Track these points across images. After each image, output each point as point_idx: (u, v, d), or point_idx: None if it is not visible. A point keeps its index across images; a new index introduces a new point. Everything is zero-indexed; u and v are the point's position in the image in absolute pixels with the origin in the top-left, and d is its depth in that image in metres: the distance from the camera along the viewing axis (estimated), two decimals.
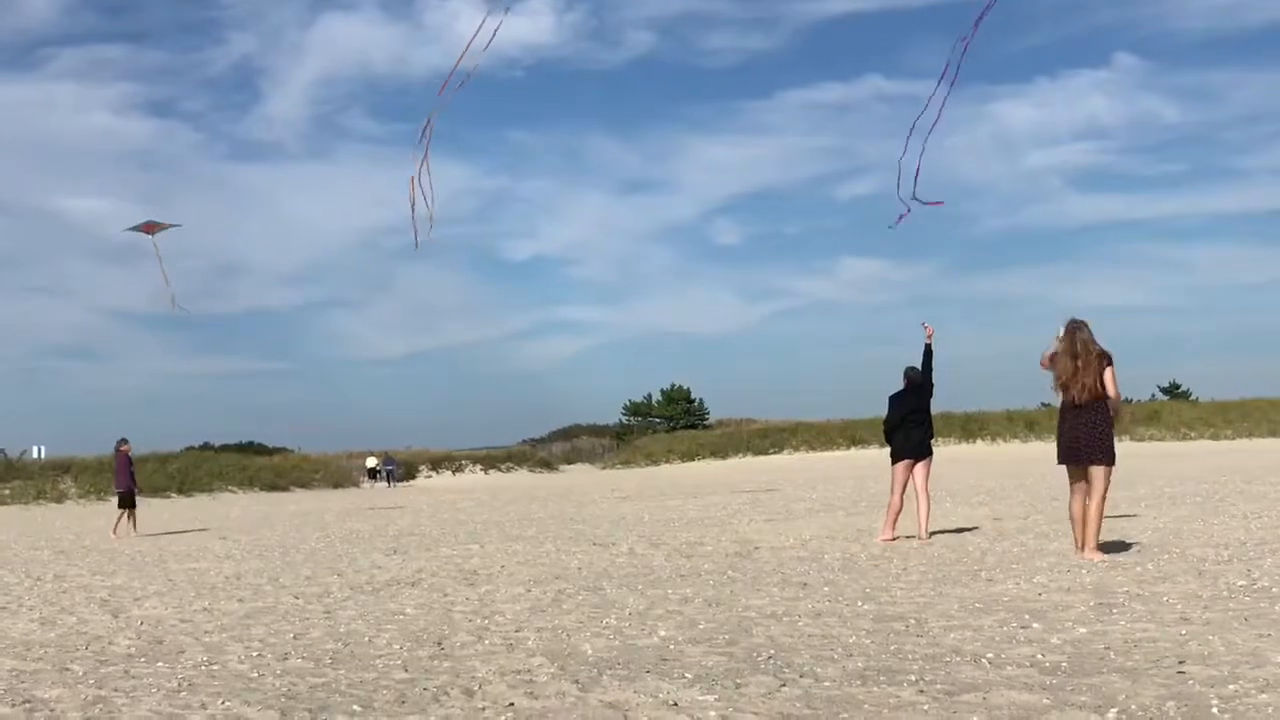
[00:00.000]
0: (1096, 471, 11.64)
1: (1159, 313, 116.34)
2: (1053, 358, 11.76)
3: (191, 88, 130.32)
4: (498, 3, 13.84)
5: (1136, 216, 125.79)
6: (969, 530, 15.69)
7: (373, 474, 61.67)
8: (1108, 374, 11.58)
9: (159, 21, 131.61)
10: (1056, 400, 12.01)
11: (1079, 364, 11.57)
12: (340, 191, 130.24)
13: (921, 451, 14.78)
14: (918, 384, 14.79)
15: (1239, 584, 9.50)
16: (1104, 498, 11.72)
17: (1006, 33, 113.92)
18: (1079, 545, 11.83)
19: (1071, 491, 11.90)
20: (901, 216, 14.09)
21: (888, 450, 15.09)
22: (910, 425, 14.79)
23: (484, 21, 13.83)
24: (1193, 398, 71.97)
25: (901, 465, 14.82)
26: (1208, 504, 18.48)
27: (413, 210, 15.18)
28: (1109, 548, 12.48)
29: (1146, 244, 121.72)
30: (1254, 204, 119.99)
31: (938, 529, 15.60)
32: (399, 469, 63.43)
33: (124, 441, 24.92)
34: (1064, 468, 11.95)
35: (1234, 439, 56.70)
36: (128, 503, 24.31)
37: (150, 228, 30.54)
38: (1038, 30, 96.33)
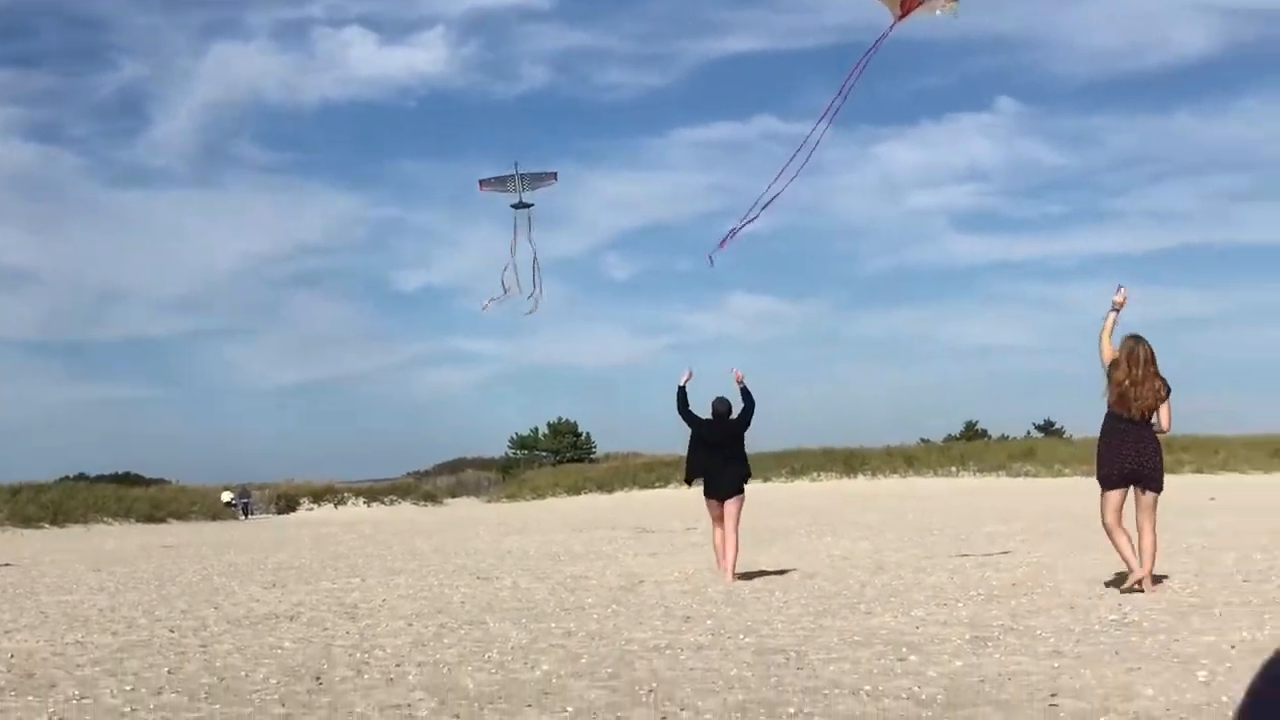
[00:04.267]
0: (1151, 499, 11.12)
1: (1037, 352, 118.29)
2: (1114, 361, 11.14)
3: (78, 113, 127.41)
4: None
5: (1016, 257, 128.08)
6: (850, 564, 15.85)
7: (228, 507, 60.40)
8: (1167, 404, 11.15)
9: (48, 46, 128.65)
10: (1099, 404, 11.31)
11: (1142, 377, 11.04)
12: (228, 219, 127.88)
13: (731, 490, 14.21)
14: (725, 416, 14.34)
15: (1110, 618, 9.72)
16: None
17: (892, 76, 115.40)
18: (1133, 570, 11.12)
19: (1113, 521, 11.13)
20: (724, 241, 14.15)
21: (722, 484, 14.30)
22: (720, 461, 14.27)
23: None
24: (1067, 435, 73.39)
25: (713, 502, 14.36)
26: (1080, 539, 18.85)
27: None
28: (986, 583, 12.73)
29: (1026, 284, 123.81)
30: (1130, 246, 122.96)
31: (824, 561, 15.77)
32: (254, 502, 62.36)
33: None
34: (1104, 492, 11.18)
35: None
36: None
37: None
38: (923, 74, 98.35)
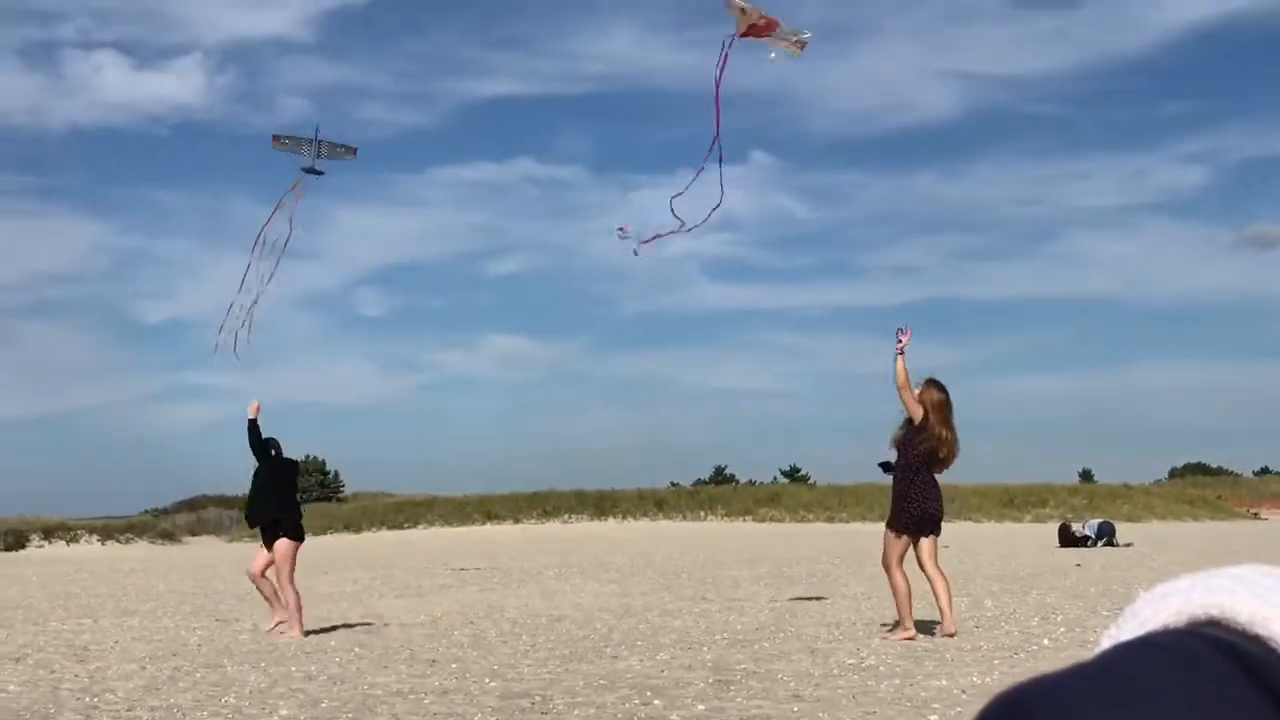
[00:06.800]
0: (934, 543, 11.38)
1: (784, 398, 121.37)
2: (928, 405, 11.08)
3: None
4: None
5: (766, 306, 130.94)
6: (598, 607, 15.90)
7: None
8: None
9: None
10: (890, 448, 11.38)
11: (951, 433, 11.14)
12: None
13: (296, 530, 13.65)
14: (281, 453, 13.73)
15: (849, 662, 9.98)
16: None
17: (650, 124, 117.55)
18: (907, 625, 11.32)
19: (899, 566, 11.28)
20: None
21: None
22: (284, 499, 13.68)
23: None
24: (811, 481, 75.16)
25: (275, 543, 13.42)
26: (822, 584, 19.34)
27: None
28: (730, 627, 12.93)
29: (774, 332, 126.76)
30: (872, 299, 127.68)
31: (572, 604, 15.78)
32: None
33: None
34: (891, 540, 11.34)
35: (848, 521, 59.44)
36: None
37: None
38: (682, 124, 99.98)
